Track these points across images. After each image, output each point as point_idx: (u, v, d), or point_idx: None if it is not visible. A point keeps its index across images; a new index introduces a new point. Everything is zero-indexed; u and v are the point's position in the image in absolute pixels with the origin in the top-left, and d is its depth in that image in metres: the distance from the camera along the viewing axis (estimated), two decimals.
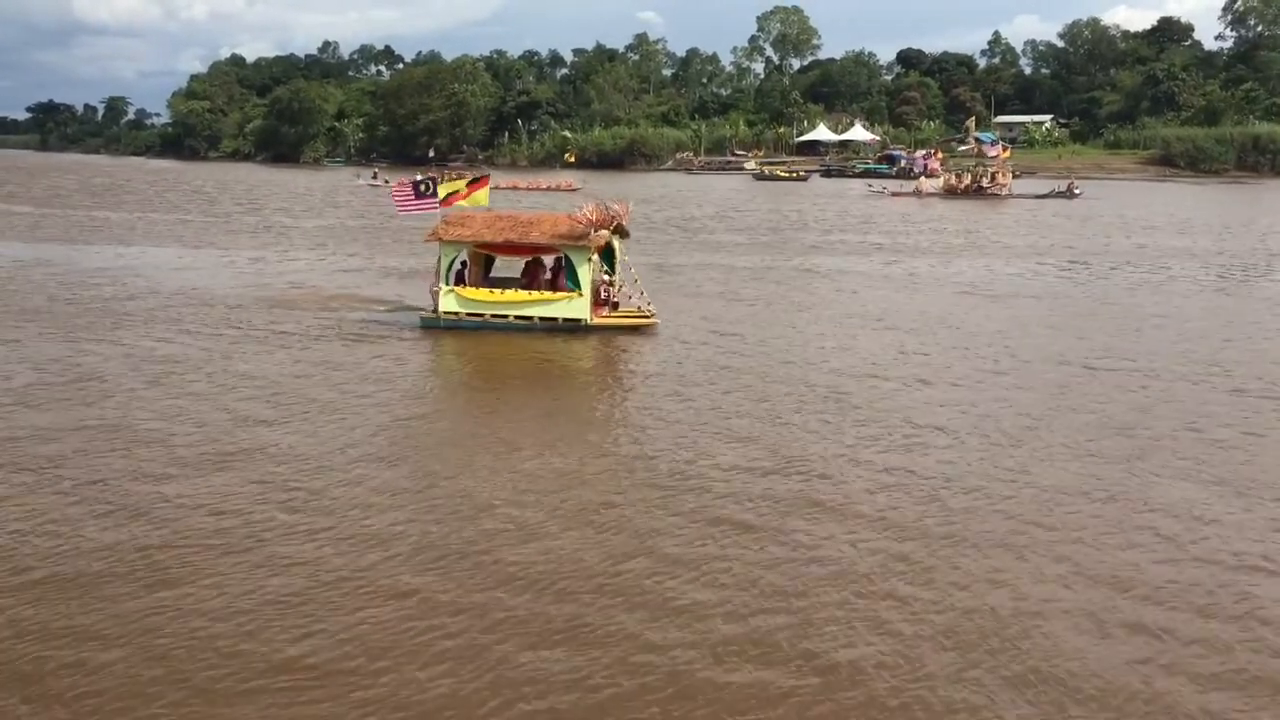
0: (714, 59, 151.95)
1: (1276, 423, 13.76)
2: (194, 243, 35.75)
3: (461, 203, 19.79)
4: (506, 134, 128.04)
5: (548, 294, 19.22)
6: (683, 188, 76.45)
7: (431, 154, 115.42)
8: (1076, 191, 65.27)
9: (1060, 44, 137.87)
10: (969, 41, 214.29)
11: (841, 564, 9.06)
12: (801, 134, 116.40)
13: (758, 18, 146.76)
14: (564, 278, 19.27)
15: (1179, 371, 16.73)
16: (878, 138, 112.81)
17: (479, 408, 15.03)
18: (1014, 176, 70.83)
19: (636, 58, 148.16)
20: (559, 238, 18.89)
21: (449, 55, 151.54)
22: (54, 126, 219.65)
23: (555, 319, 19.02)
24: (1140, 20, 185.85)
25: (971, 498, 10.71)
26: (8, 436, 12.33)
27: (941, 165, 79.14)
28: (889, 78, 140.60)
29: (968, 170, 69.63)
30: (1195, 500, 10.78)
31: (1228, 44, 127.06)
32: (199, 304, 22.06)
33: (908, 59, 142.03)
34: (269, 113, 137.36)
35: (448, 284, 19.16)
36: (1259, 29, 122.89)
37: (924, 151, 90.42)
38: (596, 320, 19.15)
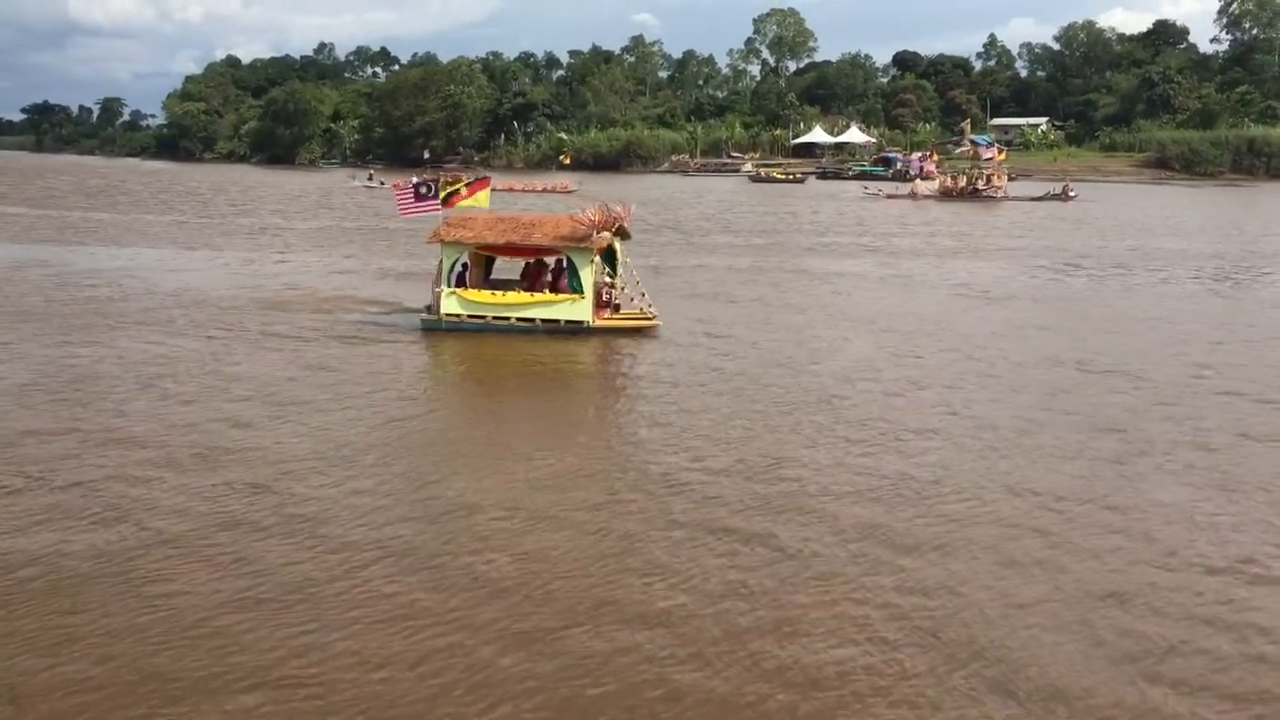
0: (710, 61, 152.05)
1: (1266, 424, 13.79)
2: (189, 244, 35.73)
3: (462, 204, 19.79)
4: (502, 136, 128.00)
5: (550, 296, 19.20)
6: (679, 189, 76.48)
7: (427, 155, 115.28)
8: (1071, 194, 65.38)
9: (1056, 47, 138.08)
10: (965, 44, 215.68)
11: (832, 567, 9.07)
12: (797, 136, 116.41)
13: (754, 20, 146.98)
14: (565, 280, 19.29)
15: (1172, 374, 16.77)
16: (874, 140, 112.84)
17: (477, 410, 15.06)
18: (1009, 179, 70.85)
19: (632, 59, 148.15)
20: (561, 239, 18.86)
21: (445, 57, 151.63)
22: (49, 128, 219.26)
23: (557, 321, 18.98)
24: (1136, 23, 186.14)
25: (963, 501, 10.73)
26: (2, 438, 12.32)
27: (937, 167, 79.24)
28: (885, 80, 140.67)
29: (963, 172, 69.75)
30: (1188, 503, 10.80)
31: (1223, 47, 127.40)
32: (194, 305, 22.05)
33: (904, 61, 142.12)
34: (264, 114, 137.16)
35: (449, 286, 19.15)
36: (1254, 32, 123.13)
37: (920, 154, 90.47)
38: (598, 322, 19.14)
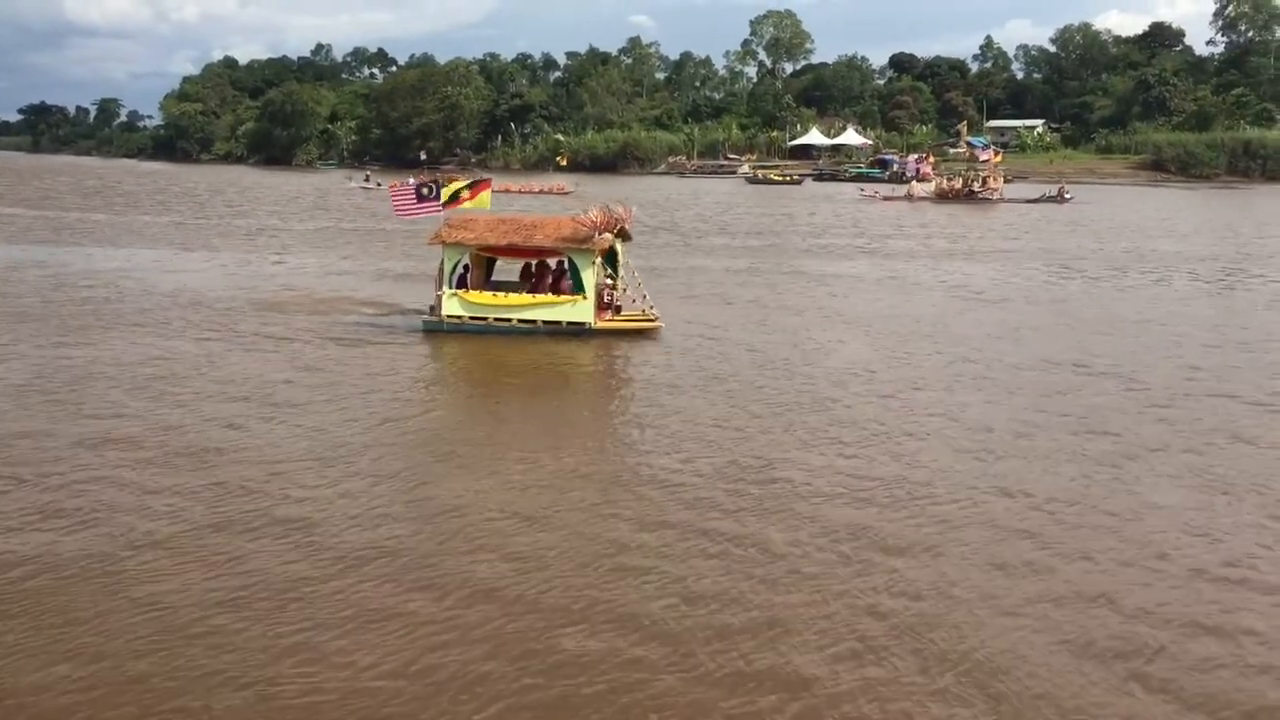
0: (707, 62, 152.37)
1: (1258, 427, 13.86)
2: (186, 245, 35.73)
3: (464, 205, 19.79)
4: (499, 137, 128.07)
5: (552, 297, 19.20)
6: (676, 191, 76.54)
7: (424, 156, 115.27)
8: (1067, 196, 65.51)
9: (1052, 49, 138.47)
10: (962, 46, 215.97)
11: (824, 569, 9.11)
12: (794, 138, 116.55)
13: (750, 21, 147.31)
14: (565, 281, 19.29)
15: (1166, 376, 16.83)
16: (870, 142, 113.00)
17: (476, 411, 15.10)
18: (1005, 181, 71.04)
19: (629, 61, 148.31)
20: (563, 241, 18.86)
21: (442, 58, 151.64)
22: (46, 128, 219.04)
23: (559, 322, 18.99)
24: (1132, 25, 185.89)
25: (956, 503, 10.77)
26: None
27: (933, 169, 79.36)
28: (881, 82, 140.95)
29: (959, 174, 69.90)
30: (1180, 506, 10.84)
31: (1219, 49, 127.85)
32: (191, 306, 22.06)
33: (900, 63, 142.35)
34: (261, 115, 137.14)
35: (451, 287, 19.15)
36: (1250, 34, 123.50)
37: (916, 156, 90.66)
38: (600, 324, 19.15)
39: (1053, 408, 14.69)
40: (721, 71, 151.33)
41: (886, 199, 66.11)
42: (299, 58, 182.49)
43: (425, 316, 19.71)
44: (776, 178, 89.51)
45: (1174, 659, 7.71)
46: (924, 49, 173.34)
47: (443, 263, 19.26)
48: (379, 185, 73.11)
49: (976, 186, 66.59)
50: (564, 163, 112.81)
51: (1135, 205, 65.29)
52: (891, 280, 28.82)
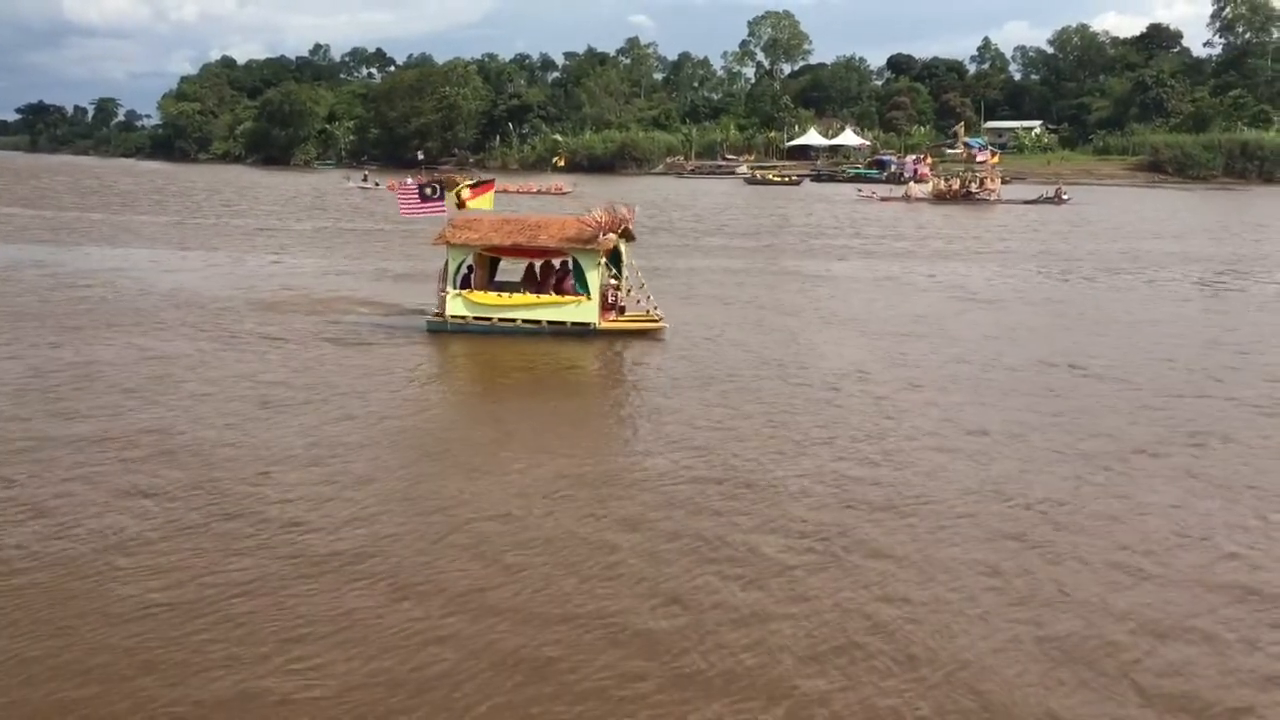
0: (705, 63, 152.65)
1: (1255, 427, 13.90)
2: (184, 245, 35.73)
3: (468, 206, 19.77)
4: (498, 137, 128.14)
5: (556, 298, 19.18)
6: (674, 191, 76.59)
7: (421, 156, 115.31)
8: (1065, 197, 65.67)
9: (1050, 50, 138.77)
10: (959, 47, 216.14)
11: (816, 574, 9.12)
12: (792, 138, 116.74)
13: (749, 22, 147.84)
14: (569, 281, 19.30)
15: (1162, 377, 16.90)
16: (868, 143, 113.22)
17: (477, 412, 15.12)
18: (1003, 182, 71.20)
19: (628, 61, 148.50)
20: (567, 241, 18.85)
21: (440, 58, 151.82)
22: (44, 128, 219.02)
23: (564, 323, 18.99)
24: (1129, 27, 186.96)
25: (950, 506, 10.79)
26: None
27: (931, 170, 79.48)
28: (879, 83, 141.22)
29: (957, 175, 70.00)
30: (1176, 508, 10.85)
31: (1216, 51, 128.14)
32: (189, 306, 22.05)
33: (898, 64, 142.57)
34: (260, 115, 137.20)
35: (455, 288, 19.15)
36: (1247, 36, 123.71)
37: (914, 157, 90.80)
38: (605, 324, 19.15)
39: (1047, 408, 14.73)
40: (719, 72, 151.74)
41: (884, 200, 66.21)
42: (297, 58, 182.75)
43: (429, 317, 19.70)
44: (774, 178, 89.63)
45: (1166, 663, 7.72)
46: (922, 50, 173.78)
47: (447, 263, 19.27)
48: (377, 185, 73.21)
49: (974, 187, 66.73)
50: (561, 163, 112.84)
51: (1132, 206, 65.41)
52: (888, 281, 28.88)
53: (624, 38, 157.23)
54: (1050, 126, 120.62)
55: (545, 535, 9.75)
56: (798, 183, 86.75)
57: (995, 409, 14.70)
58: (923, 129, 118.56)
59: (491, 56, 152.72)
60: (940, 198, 66.21)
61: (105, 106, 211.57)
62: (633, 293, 20.15)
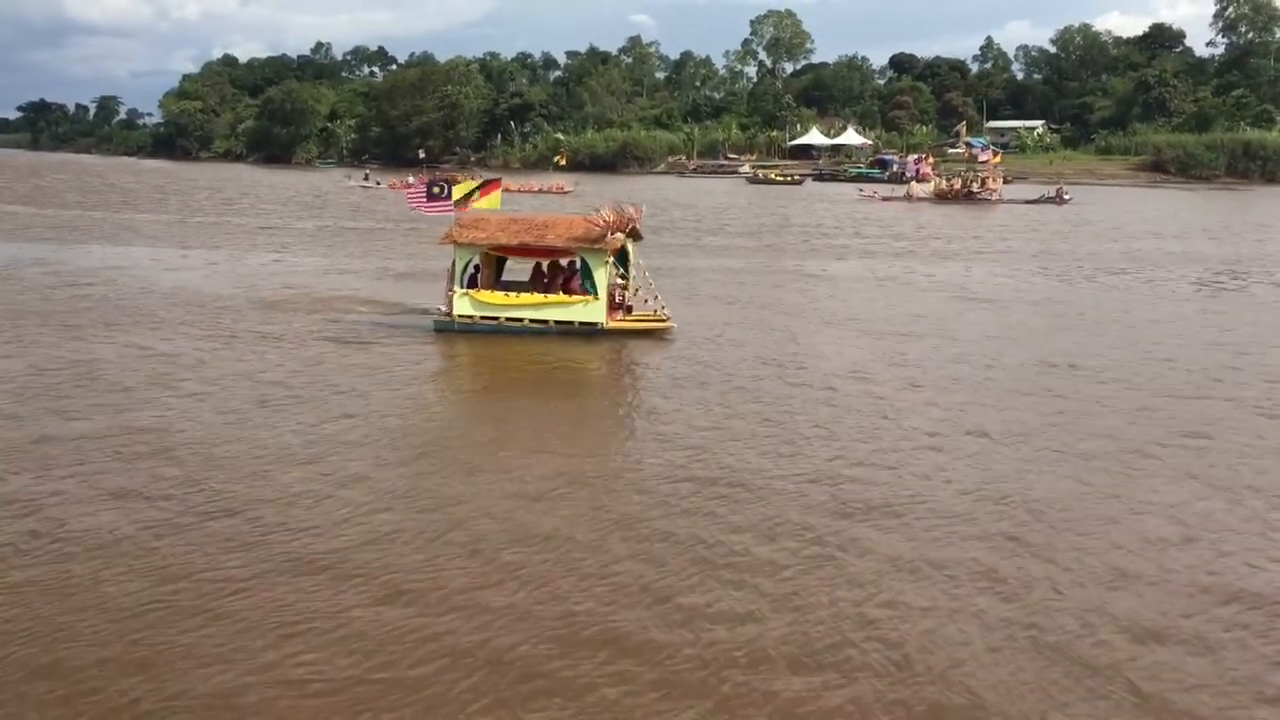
0: (707, 62, 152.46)
1: (1255, 428, 13.90)
2: (185, 243, 35.75)
3: (476, 205, 19.74)
4: (499, 136, 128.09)
5: (564, 298, 19.13)
6: (676, 191, 76.55)
7: (423, 155, 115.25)
8: (1066, 197, 65.58)
9: (1052, 50, 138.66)
10: (962, 46, 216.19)
11: (812, 580, 9.11)
12: (794, 138, 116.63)
13: (751, 21, 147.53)
14: (576, 281, 19.27)
15: (1163, 377, 16.88)
16: (870, 142, 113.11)
17: (481, 411, 15.12)
18: (1005, 182, 71.12)
19: (629, 60, 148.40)
20: (575, 241, 18.80)
21: (442, 57, 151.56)
22: (45, 126, 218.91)
23: (571, 323, 18.94)
24: (1132, 26, 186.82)
25: (948, 507, 10.80)
26: None
27: (933, 170, 79.42)
28: (881, 82, 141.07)
29: (959, 175, 69.94)
30: (1176, 510, 10.84)
31: (1219, 50, 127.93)
32: (190, 305, 22.07)
33: (900, 64, 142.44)
34: (261, 113, 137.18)
35: (462, 287, 19.10)
36: (1250, 36, 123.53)
37: (916, 156, 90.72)
38: (612, 324, 19.10)
39: (1047, 408, 14.72)
40: (721, 71, 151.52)
41: (886, 199, 66.17)
42: (299, 56, 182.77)
43: (435, 316, 19.67)
44: (777, 178, 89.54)
45: (1162, 664, 7.72)
46: (924, 49, 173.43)
47: (454, 262, 19.24)
48: (378, 184, 73.27)
49: (975, 187, 66.67)
50: (563, 162, 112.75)
51: (1134, 206, 65.34)
52: (889, 280, 28.86)
53: (626, 36, 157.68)
54: (1052, 126, 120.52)
55: (543, 534, 9.76)
56: (800, 182, 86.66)
57: (995, 409, 14.70)
58: (925, 128, 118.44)
59: (493, 55, 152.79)
60: (942, 197, 66.14)
61: (107, 105, 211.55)
62: (640, 292, 20.12)
